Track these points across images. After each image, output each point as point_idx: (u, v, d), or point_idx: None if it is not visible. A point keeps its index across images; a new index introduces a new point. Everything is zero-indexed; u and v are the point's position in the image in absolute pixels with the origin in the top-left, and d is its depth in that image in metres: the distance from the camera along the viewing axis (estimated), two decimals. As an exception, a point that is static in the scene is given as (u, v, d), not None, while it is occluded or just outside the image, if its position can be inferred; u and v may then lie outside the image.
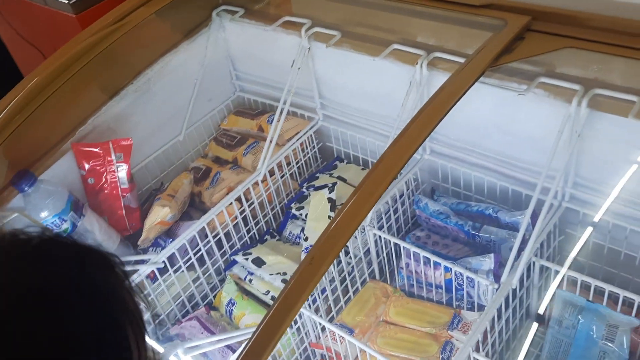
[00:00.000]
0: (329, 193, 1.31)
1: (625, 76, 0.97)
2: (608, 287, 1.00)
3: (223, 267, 1.37)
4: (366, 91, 1.33)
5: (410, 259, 1.18)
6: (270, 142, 1.35)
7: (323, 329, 1.15)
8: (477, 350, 0.97)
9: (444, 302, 1.17)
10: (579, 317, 1.02)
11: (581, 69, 1.01)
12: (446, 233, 1.25)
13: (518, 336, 1.15)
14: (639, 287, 1.10)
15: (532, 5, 1.04)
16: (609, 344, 0.98)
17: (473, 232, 1.17)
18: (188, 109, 1.52)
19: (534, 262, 1.06)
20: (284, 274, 1.26)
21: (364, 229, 1.21)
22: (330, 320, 1.18)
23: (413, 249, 1.13)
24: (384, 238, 1.22)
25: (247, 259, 1.31)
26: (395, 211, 1.29)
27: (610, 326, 0.99)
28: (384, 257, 1.27)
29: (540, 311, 1.10)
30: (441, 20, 1.18)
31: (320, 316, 1.16)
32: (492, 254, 1.08)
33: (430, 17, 1.19)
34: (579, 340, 1.01)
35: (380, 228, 1.25)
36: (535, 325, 1.10)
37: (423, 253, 1.12)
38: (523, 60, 1.02)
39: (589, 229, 1.08)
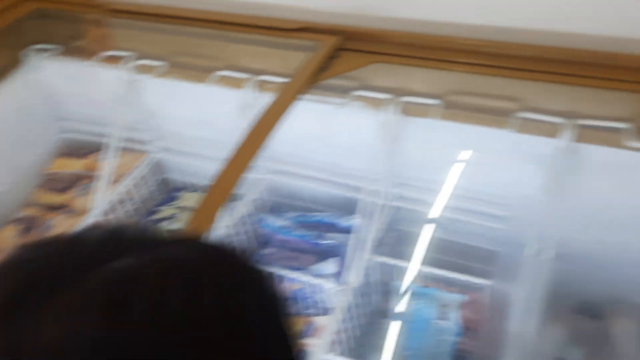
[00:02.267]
0: (170, 225, 1.29)
1: (426, 84, 1.10)
2: (439, 272, 1.11)
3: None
4: (198, 118, 1.34)
5: (261, 276, 1.20)
6: (105, 180, 1.30)
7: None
8: (331, 352, 1.02)
9: (297, 313, 1.21)
10: (415, 303, 1.11)
11: (389, 80, 1.12)
12: (293, 246, 1.30)
13: (372, 332, 1.22)
14: (465, 269, 1.24)
15: (343, 26, 1.14)
16: (443, 322, 1.09)
17: (316, 241, 1.23)
18: (8, 157, 1.41)
19: (372, 260, 1.14)
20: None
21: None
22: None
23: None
24: (233, 260, 1.22)
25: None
26: (244, 233, 1.31)
27: (443, 306, 1.10)
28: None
29: (398, 309, 1.19)
30: (262, 45, 1.24)
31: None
32: (334, 258, 1.14)
33: (252, 43, 1.25)
34: (418, 324, 1.11)
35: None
36: (394, 323, 1.18)
37: (268, 269, 1.15)
38: (339, 76, 1.11)
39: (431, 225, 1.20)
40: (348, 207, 1.28)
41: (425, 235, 1.24)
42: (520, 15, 1.04)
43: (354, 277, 1.08)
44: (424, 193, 1.20)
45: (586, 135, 0.96)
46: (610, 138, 0.94)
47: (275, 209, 1.36)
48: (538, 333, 1.09)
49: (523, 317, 0.99)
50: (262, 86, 1.18)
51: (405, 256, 1.27)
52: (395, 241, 1.28)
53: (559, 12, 1.01)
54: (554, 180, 0.99)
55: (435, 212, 1.20)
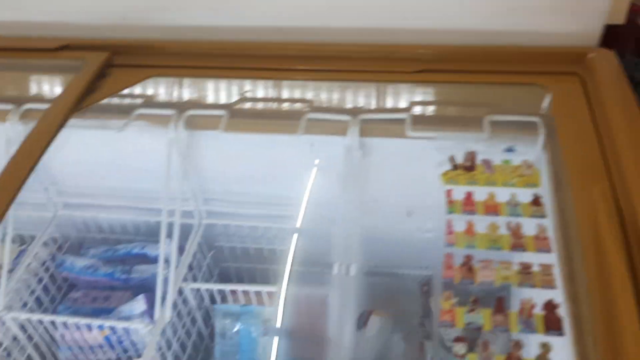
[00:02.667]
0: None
1: (211, 94, 1.03)
2: (258, 287, 1.06)
3: None
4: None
5: (66, 328, 1.07)
6: None
7: None
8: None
9: (114, 358, 1.10)
10: (238, 323, 1.06)
11: (171, 94, 1.04)
12: (102, 286, 1.17)
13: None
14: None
15: (109, 40, 1.03)
16: (269, 336, 1.05)
17: (125, 277, 1.12)
18: None
19: (186, 288, 1.06)
20: None
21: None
22: None
23: (59, 318, 1.03)
24: (27, 317, 1.08)
25: None
26: (43, 280, 1.16)
27: (266, 321, 1.06)
28: (41, 336, 1.13)
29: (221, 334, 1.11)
30: (22, 70, 1.09)
31: None
32: (141, 295, 1.04)
33: (9, 68, 1.09)
34: (244, 345, 1.05)
35: (25, 306, 1.11)
36: (219, 349, 1.11)
37: (70, 320, 1.02)
38: (115, 95, 1.00)
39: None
40: (156, 234, 1.19)
41: (241, 249, 1.19)
42: (293, 14, 1.00)
43: (166, 311, 0.99)
44: (232, 207, 1.14)
45: (372, 129, 0.96)
46: (393, 130, 0.95)
47: (77, 247, 1.22)
48: (358, 330, 1.09)
49: (341, 318, 0.98)
50: (29, 116, 1.04)
51: (224, 276, 1.22)
52: (213, 261, 1.21)
53: (330, 7, 0.99)
54: (348, 179, 0.98)
55: (247, 224, 1.15)
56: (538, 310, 0.67)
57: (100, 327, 1.03)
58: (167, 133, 1.01)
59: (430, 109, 0.95)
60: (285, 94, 1.02)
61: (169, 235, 1.03)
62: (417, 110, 0.95)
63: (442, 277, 0.72)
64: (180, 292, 1.06)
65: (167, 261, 1.08)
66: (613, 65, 0.91)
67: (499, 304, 0.68)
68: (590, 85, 0.89)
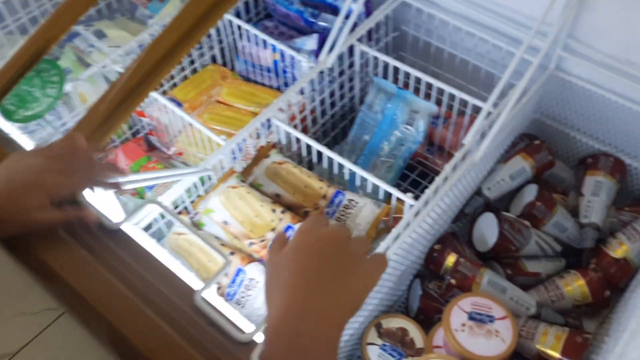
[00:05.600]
0: None
1: None
2: (419, 74, 1.03)
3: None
4: None
5: (248, 40, 1.18)
6: None
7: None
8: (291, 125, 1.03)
9: (276, 87, 1.19)
10: (388, 102, 1.06)
11: None
12: (293, 24, 1.24)
13: (341, 119, 1.21)
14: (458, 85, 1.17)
15: None
16: (408, 127, 1.05)
17: (311, 20, 1.17)
18: None
19: (353, 46, 1.07)
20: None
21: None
22: (163, 94, 1.19)
23: (246, 26, 1.12)
24: (230, 20, 1.19)
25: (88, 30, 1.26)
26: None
27: (412, 111, 1.05)
28: (228, 43, 1.26)
29: (368, 103, 1.12)
30: None
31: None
32: (316, 34, 1.08)
33: None
34: (384, 123, 1.07)
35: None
36: (362, 115, 1.15)
37: (253, 31, 1.11)
38: None
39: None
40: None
41: (424, 42, 1.15)
42: None
43: (330, 57, 1.02)
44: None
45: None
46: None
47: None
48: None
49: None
50: None
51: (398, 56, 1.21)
52: (393, 43, 1.20)
53: None
54: None
55: (439, 14, 1.09)
56: None
57: (273, 49, 1.11)
58: None
59: None
60: None
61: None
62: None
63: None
64: (351, 49, 1.08)
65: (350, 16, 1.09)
66: None
67: None
68: None
